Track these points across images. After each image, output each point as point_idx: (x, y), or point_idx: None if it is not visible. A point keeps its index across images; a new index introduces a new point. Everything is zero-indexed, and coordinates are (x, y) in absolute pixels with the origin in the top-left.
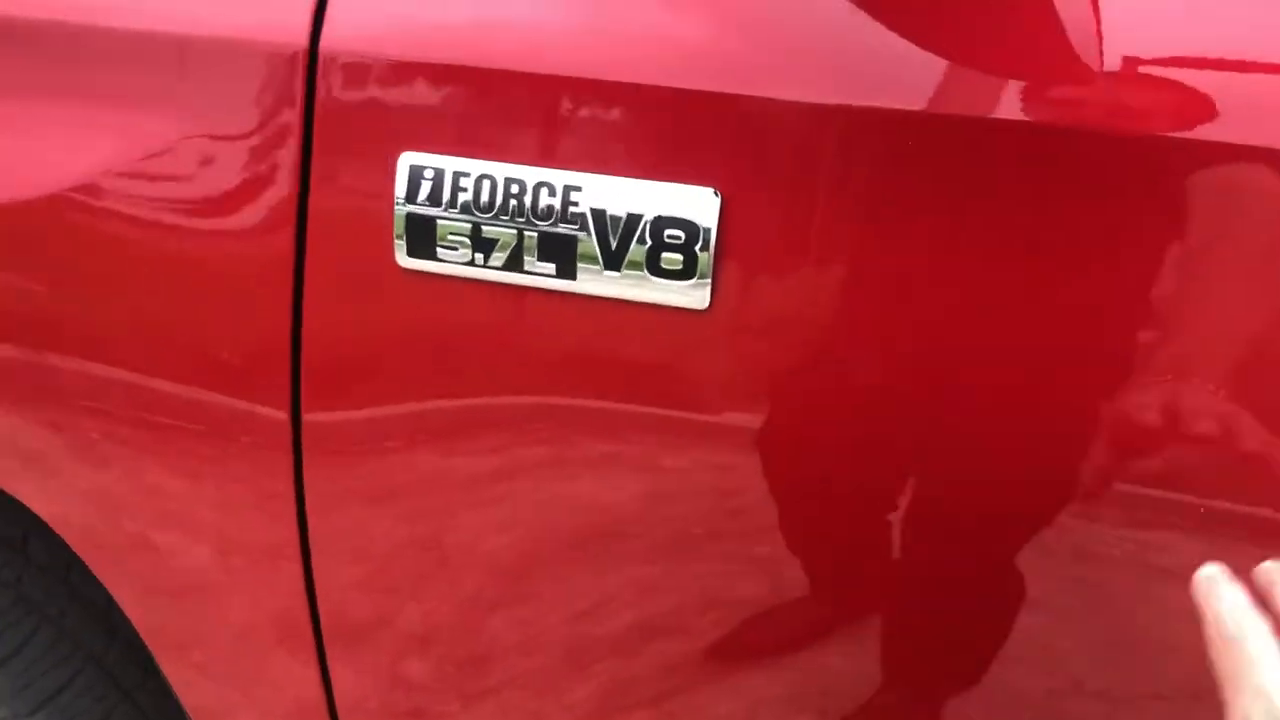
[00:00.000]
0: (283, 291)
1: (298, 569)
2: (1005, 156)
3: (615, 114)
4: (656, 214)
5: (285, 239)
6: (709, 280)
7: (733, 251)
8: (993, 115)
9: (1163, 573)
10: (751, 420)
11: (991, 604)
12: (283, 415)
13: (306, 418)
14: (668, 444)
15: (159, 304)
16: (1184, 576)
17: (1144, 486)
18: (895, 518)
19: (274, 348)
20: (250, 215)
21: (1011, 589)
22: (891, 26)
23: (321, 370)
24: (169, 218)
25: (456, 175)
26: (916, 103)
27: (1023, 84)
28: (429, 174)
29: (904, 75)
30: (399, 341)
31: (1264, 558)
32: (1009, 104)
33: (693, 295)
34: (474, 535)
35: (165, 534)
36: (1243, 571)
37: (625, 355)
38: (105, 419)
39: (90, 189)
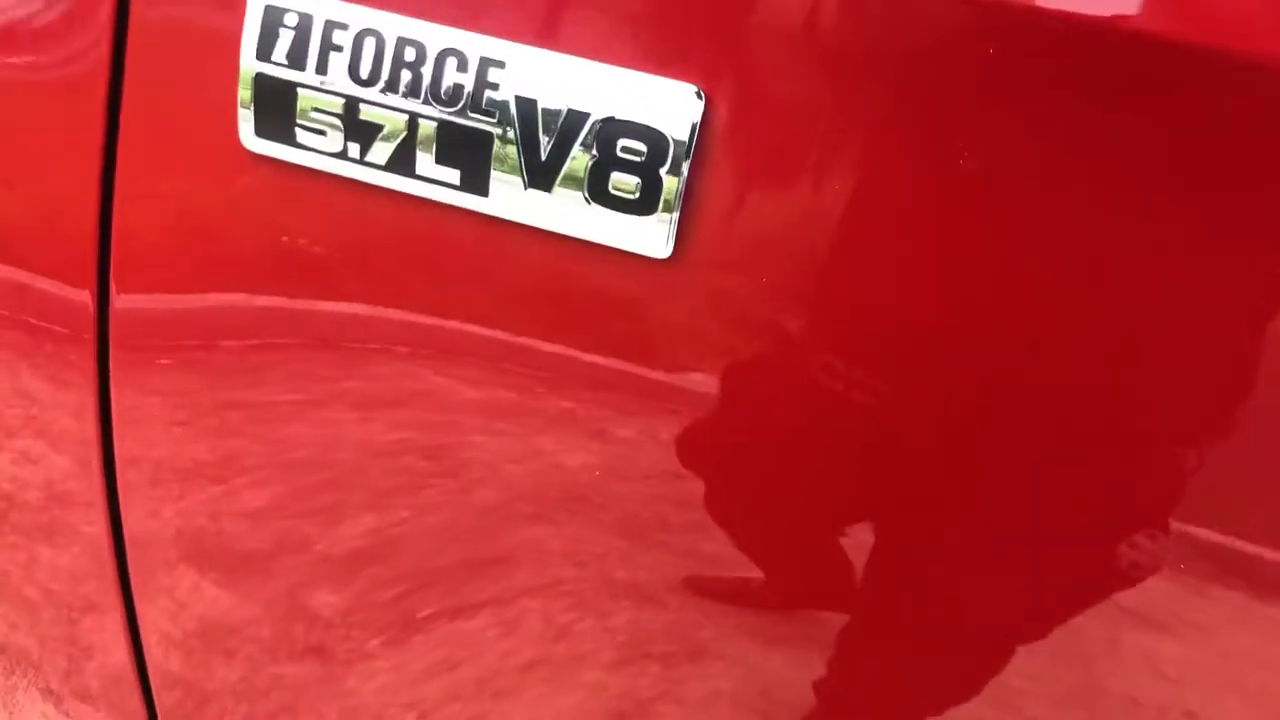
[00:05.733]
0: (88, 165)
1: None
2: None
3: None
4: (609, 114)
5: (93, 95)
6: (674, 217)
7: (713, 180)
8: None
9: (1132, 616)
10: (708, 401)
11: (947, 631)
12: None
13: (115, 352)
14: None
15: None
16: (1152, 622)
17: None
18: (852, 530)
19: (79, 240)
20: (49, 57)
21: (971, 617)
22: None
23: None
24: None
25: (329, 26)
26: None
27: None
28: (291, 20)
29: None
30: (241, 251)
31: None
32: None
33: (650, 236)
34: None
35: None
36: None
37: (549, 303)
38: None
39: None
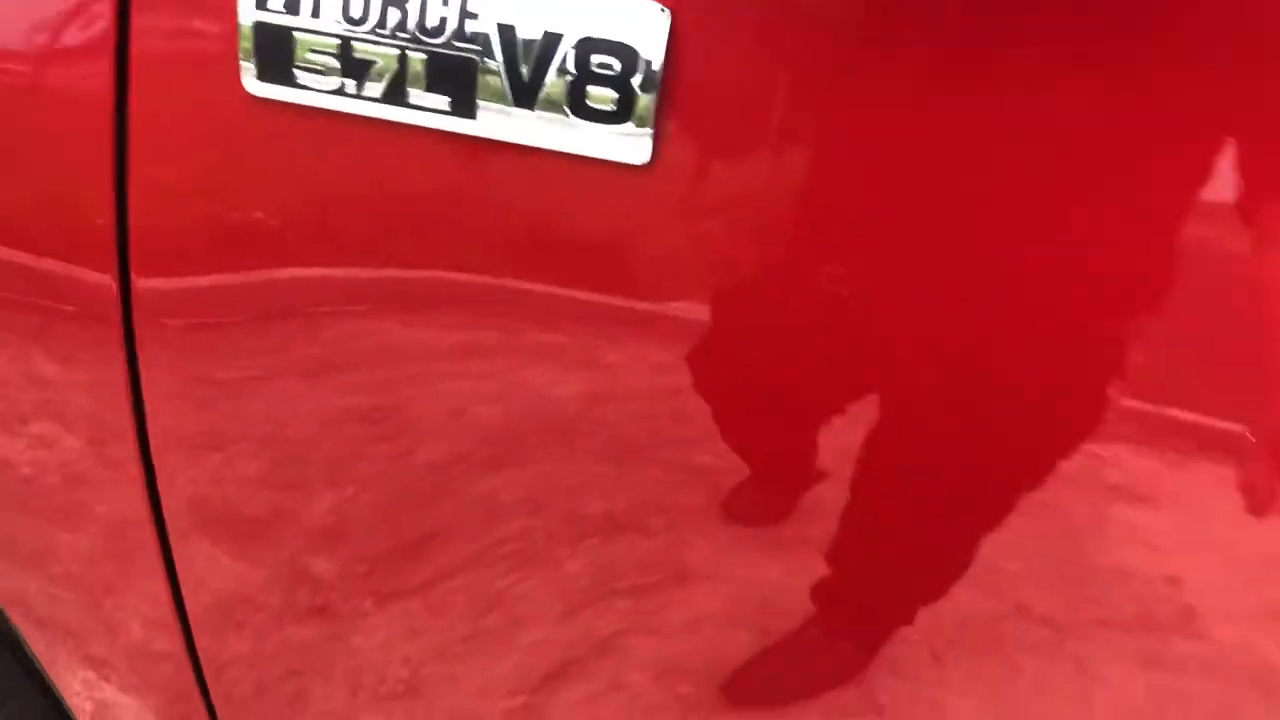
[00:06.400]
0: (101, 132)
1: (138, 472)
2: None
3: None
4: (583, 35)
5: (101, 64)
6: (650, 127)
7: (684, 90)
8: None
9: (1116, 492)
10: (696, 310)
11: (940, 522)
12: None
13: (140, 286)
14: (594, 333)
15: None
16: (1140, 496)
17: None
18: (848, 430)
19: (94, 203)
20: (56, 36)
21: (962, 505)
22: None
23: (156, 232)
24: None
25: None
26: None
27: None
28: None
29: None
30: (252, 192)
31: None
32: None
33: (629, 145)
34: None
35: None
36: None
37: (539, 218)
38: None
39: None
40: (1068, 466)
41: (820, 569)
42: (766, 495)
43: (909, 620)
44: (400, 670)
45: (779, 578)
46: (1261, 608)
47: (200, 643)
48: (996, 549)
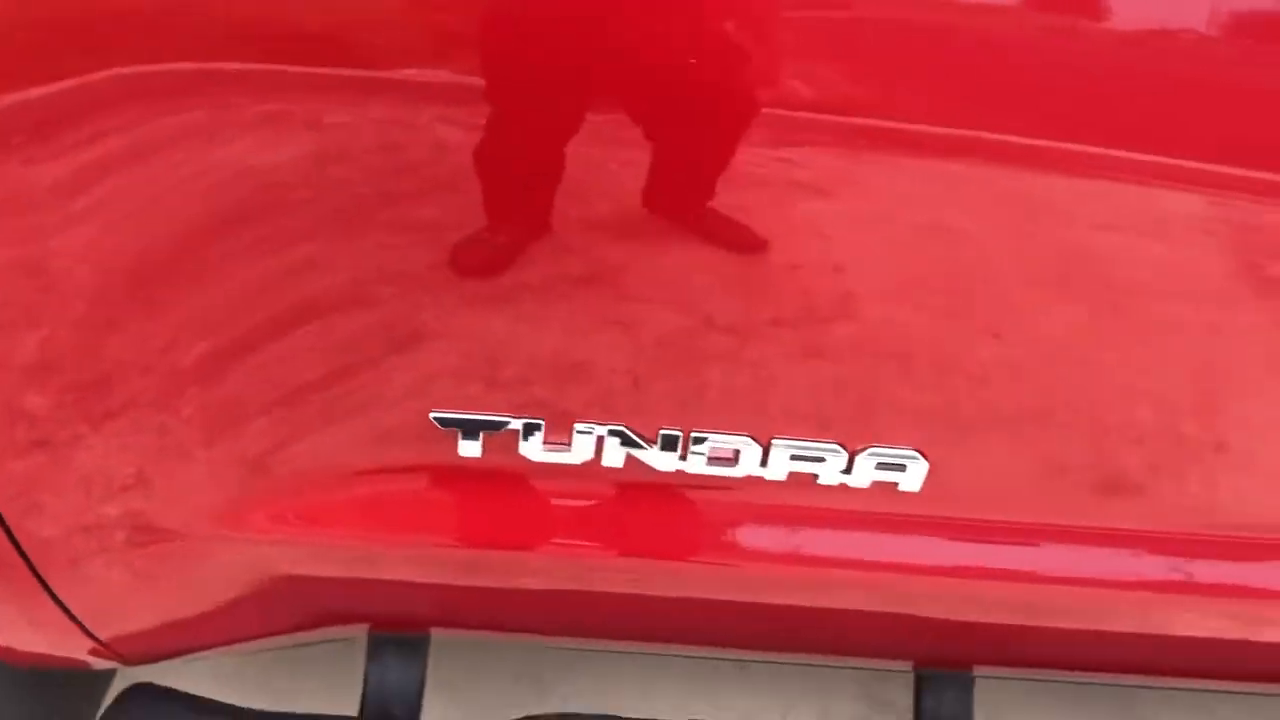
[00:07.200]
0: None
1: None
2: None
3: None
4: None
5: None
6: None
7: None
8: None
9: (797, 186)
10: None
11: (631, 244)
12: None
13: None
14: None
15: None
16: (818, 190)
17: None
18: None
19: None
20: None
21: (651, 223)
22: None
23: None
24: None
25: None
26: None
27: None
28: None
29: None
30: None
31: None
32: None
33: None
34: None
35: None
36: None
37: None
38: None
39: None
40: (762, 172)
41: (542, 314)
42: (497, 241)
43: (613, 350)
44: (127, 469)
45: (506, 326)
46: (906, 280)
47: None
48: (686, 264)
